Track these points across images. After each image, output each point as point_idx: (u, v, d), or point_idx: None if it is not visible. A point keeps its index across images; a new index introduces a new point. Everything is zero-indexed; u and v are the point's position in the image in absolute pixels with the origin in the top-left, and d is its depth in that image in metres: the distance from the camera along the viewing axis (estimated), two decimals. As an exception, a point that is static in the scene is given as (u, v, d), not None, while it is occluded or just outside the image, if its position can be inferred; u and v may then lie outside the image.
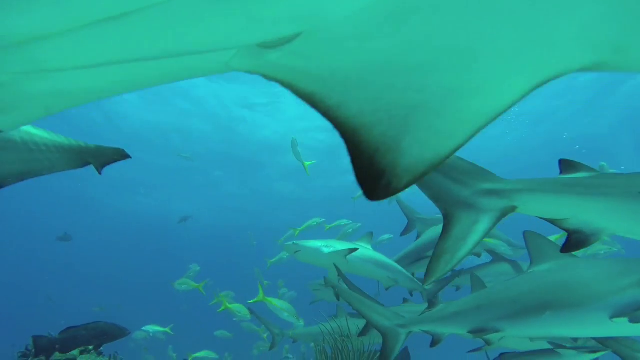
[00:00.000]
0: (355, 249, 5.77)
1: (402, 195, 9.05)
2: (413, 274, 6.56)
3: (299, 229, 9.58)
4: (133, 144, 24.39)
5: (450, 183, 2.46)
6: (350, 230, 9.06)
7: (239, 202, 31.02)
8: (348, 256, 5.81)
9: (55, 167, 2.90)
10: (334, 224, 9.66)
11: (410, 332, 4.45)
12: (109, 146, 3.18)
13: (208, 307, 10.35)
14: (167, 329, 11.59)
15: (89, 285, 36.20)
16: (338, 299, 6.65)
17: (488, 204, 2.42)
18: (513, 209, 2.42)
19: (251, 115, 22.27)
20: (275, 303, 7.00)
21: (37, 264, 39.67)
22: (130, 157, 3.25)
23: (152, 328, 11.53)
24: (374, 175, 0.92)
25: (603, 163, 7.82)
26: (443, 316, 4.16)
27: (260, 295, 7.07)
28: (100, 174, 3.16)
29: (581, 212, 2.41)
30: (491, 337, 3.75)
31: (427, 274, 2.32)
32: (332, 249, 5.78)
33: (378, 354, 6.05)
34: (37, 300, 29.09)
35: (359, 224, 9.17)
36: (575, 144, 20.99)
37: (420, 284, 6.47)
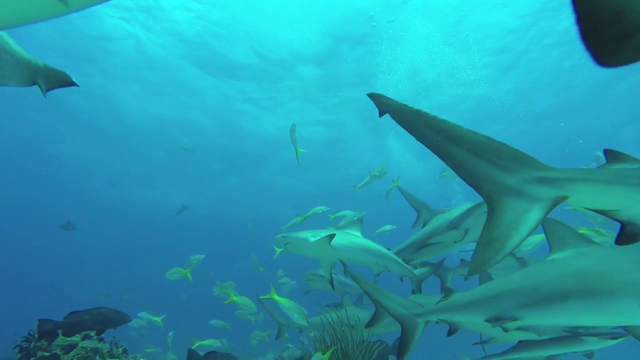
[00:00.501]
0: (334, 235, 5.66)
1: (406, 187, 9.07)
2: (404, 260, 6.59)
3: (304, 216, 9.50)
4: (135, 137, 24.54)
5: (494, 169, 2.33)
6: (355, 218, 9.00)
7: (239, 195, 31.11)
8: (336, 244, 5.72)
9: (5, 79, 2.71)
10: (338, 214, 9.57)
11: (428, 321, 4.36)
12: (57, 69, 2.96)
13: (208, 296, 10.38)
14: (158, 319, 11.68)
15: (91, 275, 36.40)
16: (333, 288, 6.71)
17: (539, 193, 2.30)
18: (564, 198, 2.30)
19: (252, 109, 22.27)
20: (286, 303, 7.04)
21: (42, 254, 39.85)
22: (78, 85, 3.02)
23: (146, 315, 11.65)
24: (622, 33, 0.69)
25: (599, 153, 7.77)
26: (461, 304, 4.06)
27: (272, 293, 7.14)
28: (45, 97, 2.93)
29: (635, 204, 2.28)
30: (508, 325, 3.60)
31: (475, 262, 2.19)
32: (317, 238, 5.70)
33: (377, 344, 6.14)
34: (40, 290, 29.27)
35: (364, 212, 9.06)
36: (578, 139, 21.04)
37: (411, 270, 6.48)
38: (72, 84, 3.02)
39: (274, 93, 20.71)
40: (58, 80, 2.95)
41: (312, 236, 5.84)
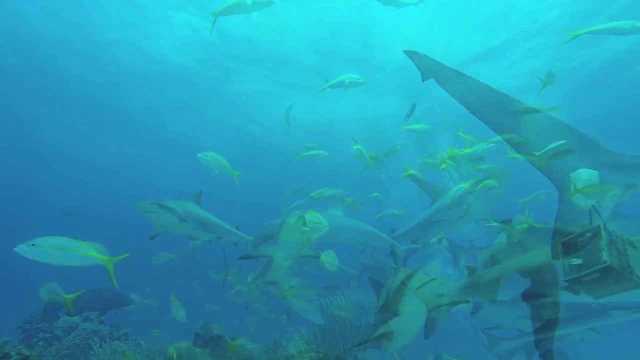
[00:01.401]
0: (303, 214, 5.65)
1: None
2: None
3: (313, 193, 9.31)
4: (136, 127, 24.57)
5: (564, 152, 2.29)
6: (362, 201, 8.92)
7: (241, 184, 31.08)
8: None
9: None
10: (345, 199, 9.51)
11: (452, 302, 4.24)
12: None
13: (204, 281, 10.46)
14: (145, 302, 12.41)
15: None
16: (329, 269, 6.82)
17: (611, 178, 2.25)
18: (634, 185, 2.27)
19: (252, 101, 22.25)
20: (301, 304, 7.10)
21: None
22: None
23: (136, 297, 12.06)
24: None
25: (594, 133, 7.78)
26: (485, 283, 3.95)
27: (287, 294, 7.24)
28: None
29: None
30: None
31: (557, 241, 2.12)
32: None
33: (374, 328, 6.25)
34: (41, 277, 29.46)
35: (376, 194, 8.93)
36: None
37: (397, 244, 6.53)
38: None
39: (273, 85, 20.66)
40: None
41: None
